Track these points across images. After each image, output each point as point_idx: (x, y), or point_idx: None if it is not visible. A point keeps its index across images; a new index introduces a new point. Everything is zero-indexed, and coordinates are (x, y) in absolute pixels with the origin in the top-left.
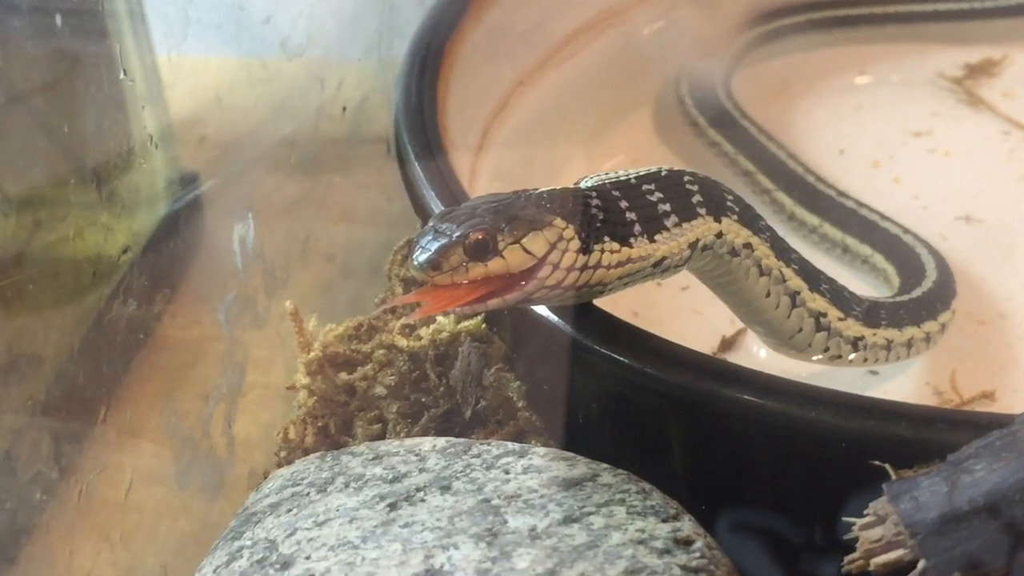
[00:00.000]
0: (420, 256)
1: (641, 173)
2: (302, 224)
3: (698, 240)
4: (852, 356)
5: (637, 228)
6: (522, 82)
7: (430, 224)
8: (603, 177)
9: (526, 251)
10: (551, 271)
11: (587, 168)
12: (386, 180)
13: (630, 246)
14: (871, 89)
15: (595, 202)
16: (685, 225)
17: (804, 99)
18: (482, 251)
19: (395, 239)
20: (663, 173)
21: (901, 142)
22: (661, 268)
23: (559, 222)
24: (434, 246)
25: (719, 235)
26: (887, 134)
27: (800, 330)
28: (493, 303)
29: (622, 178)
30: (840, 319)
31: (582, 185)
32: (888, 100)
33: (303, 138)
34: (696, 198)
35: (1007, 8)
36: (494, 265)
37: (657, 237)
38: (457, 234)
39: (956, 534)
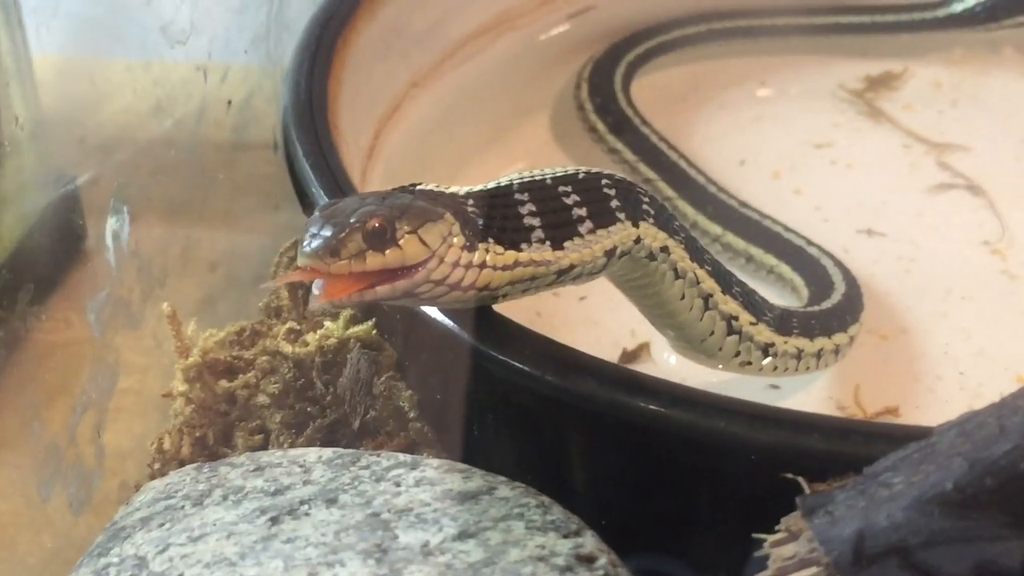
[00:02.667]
0: (314, 243)
1: (558, 174)
2: (182, 227)
3: (616, 247)
4: (763, 363)
5: (538, 234)
6: (416, 84)
7: (316, 214)
8: (518, 176)
9: (422, 242)
10: (438, 264)
11: (483, 174)
12: (272, 186)
13: (519, 250)
14: (772, 101)
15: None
16: (601, 231)
17: (706, 108)
18: (380, 239)
19: (280, 245)
20: (580, 176)
21: (802, 153)
22: (571, 275)
23: (449, 216)
24: (329, 232)
25: (637, 240)
26: (788, 145)
27: (712, 333)
28: (383, 290)
29: (537, 178)
30: (751, 323)
31: (497, 182)
32: (789, 111)
33: (184, 138)
34: (614, 202)
35: (909, 23)
36: (391, 255)
37: (567, 244)
38: (353, 220)
39: (873, 551)
